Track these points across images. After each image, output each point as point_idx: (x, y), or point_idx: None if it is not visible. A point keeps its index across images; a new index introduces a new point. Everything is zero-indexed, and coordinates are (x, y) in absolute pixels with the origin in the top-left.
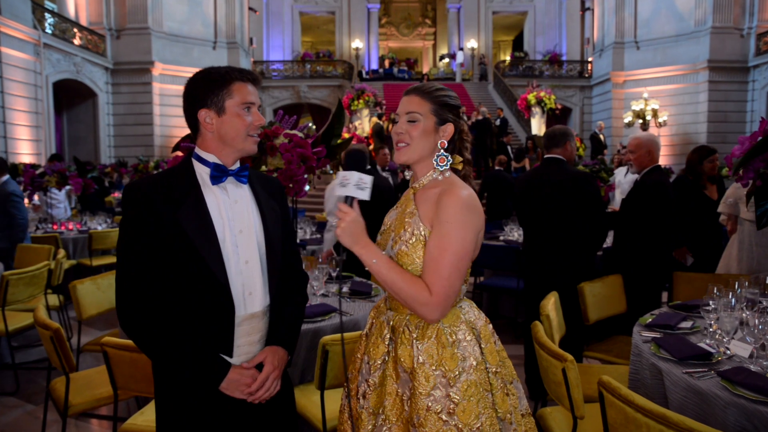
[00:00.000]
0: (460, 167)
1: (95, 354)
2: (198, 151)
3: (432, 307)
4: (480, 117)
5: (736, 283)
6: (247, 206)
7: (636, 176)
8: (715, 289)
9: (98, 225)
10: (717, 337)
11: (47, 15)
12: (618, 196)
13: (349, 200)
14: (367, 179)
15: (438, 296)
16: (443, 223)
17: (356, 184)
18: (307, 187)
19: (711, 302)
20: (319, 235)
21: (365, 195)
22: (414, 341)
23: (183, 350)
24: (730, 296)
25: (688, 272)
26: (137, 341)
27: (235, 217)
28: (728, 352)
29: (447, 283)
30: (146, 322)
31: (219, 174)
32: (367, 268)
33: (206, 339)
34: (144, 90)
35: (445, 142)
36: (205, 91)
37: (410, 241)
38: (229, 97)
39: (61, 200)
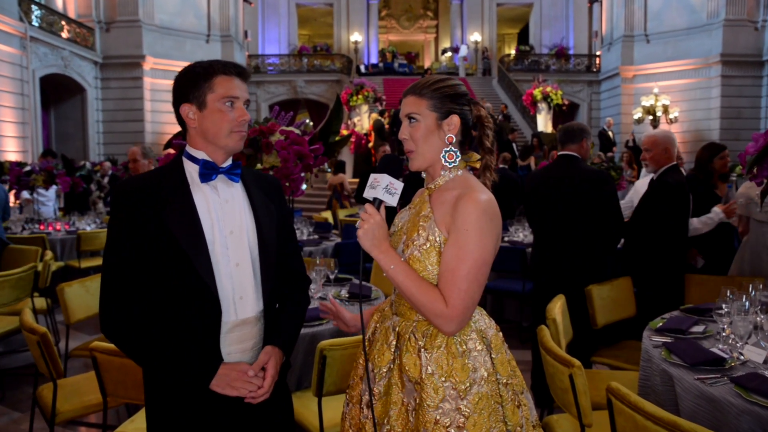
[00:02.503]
0: (477, 165)
1: (84, 359)
2: (188, 148)
3: (447, 319)
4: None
5: (750, 285)
6: (239, 206)
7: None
8: (728, 292)
9: (87, 225)
10: (730, 341)
11: (34, 7)
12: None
13: (376, 203)
14: (398, 185)
15: (454, 309)
16: (461, 232)
17: (386, 187)
18: (304, 186)
19: (724, 306)
20: (316, 236)
21: (393, 201)
22: (421, 350)
23: (169, 351)
24: (744, 299)
25: (700, 274)
26: (120, 346)
27: (225, 217)
28: (742, 357)
29: (465, 295)
30: (129, 327)
31: (208, 171)
32: (384, 274)
33: (194, 345)
34: (134, 85)
35: (453, 137)
36: (188, 85)
37: (424, 247)
38: (211, 91)
39: (50, 198)
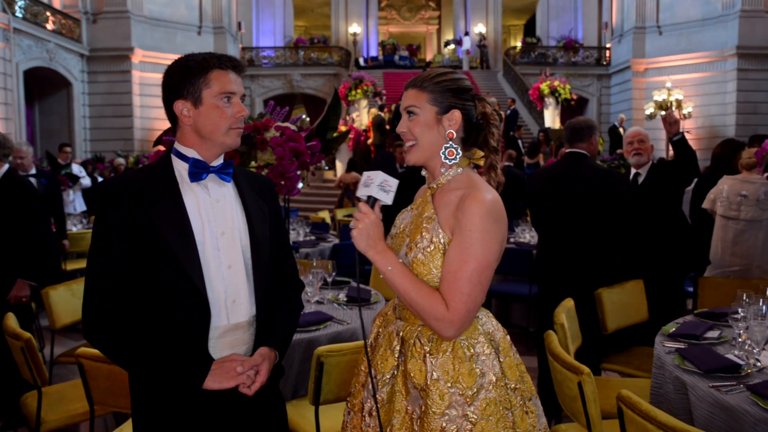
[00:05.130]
0: (481, 162)
1: (70, 366)
2: (177, 145)
3: (447, 324)
4: None
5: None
6: (231, 206)
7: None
8: (745, 295)
9: (73, 226)
10: (746, 347)
11: None
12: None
13: (371, 201)
14: (393, 182)
15: (456, 312)
16: (464, 233)
17: (380, 185)
18: (300, 185)
19: (740, 310)
20: (313, 237)
21: (388, 199)
22: (426, 355)
23: (157, 355)
24: (761, 303)
25: (715, 277)
26: (104, 351)
27: (216, 217)
28: (759, 364)
29: (467, 299)
30: (113, 332)
31: (198, 170)
32: (381, 276)
33: (183, 348)
34: (123, 79)
35: (453, 133)
36: (181, 80)
37: (428, 249)
38: (207, 86)
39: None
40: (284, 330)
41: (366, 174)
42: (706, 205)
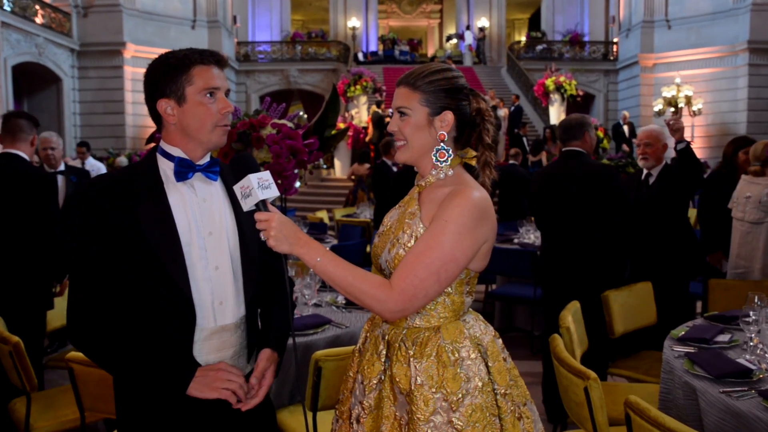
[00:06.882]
0: (473, 162)
1: (60, 371)
2: (163, 144)
3: (390, 304)
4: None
5: None
6: (218, 205)
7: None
8: (756, 298)
9: None
10: (758, 352)
11: None
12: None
13: (261, 206)
14: (266, 174)
15: (402, 293)
16: (440, 222)
17: (258, 186)
18: (297, 184)
19: (751, 313)
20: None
21: (275, 191)
22: (411, 359)
23: (142, 358)
24: None
25: (725, 279)
26: (89, 354)
27: (203, 217)
28: None
29: (419, 283)
30: (98, 334)
31: (184, 169)
32: (311, 269)
33: (169, 352)
34: (114, 74)
35: (445, 134)
36: (163, 78)
37: (408, 245)
38: (189, 83)
39: None
40: (282, 331)
41: (237, 187)
42: (730, 204)
